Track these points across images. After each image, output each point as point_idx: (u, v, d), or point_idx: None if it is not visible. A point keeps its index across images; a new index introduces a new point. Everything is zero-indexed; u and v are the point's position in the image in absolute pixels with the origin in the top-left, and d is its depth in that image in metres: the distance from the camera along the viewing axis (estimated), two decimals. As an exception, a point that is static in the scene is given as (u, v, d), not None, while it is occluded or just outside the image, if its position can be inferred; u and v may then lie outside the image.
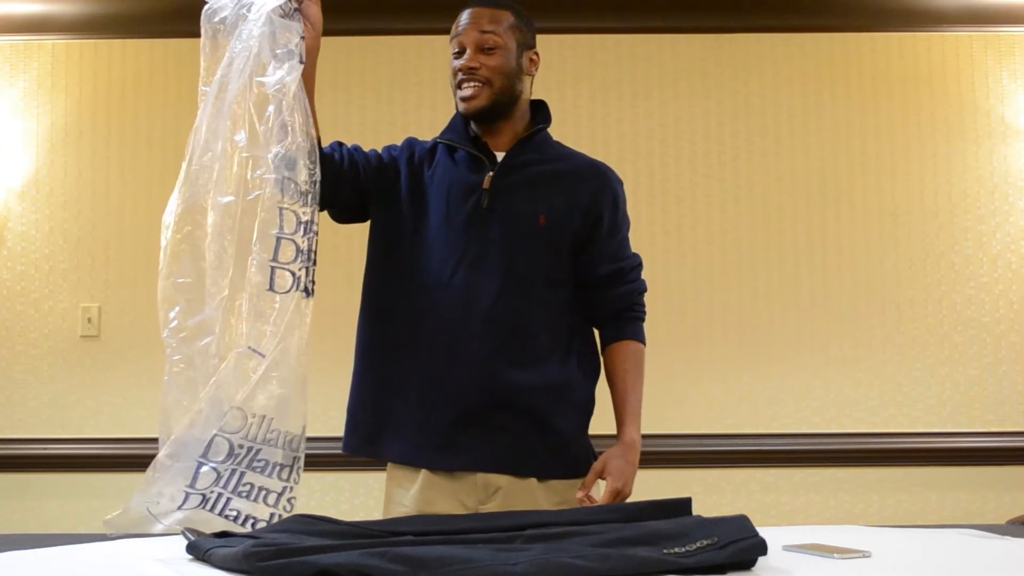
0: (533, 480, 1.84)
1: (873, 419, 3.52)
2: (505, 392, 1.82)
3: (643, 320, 1.99)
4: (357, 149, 1.99)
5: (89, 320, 3.52)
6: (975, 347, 3.54)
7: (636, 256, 2.00)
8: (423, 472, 1.87)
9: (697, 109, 3.62)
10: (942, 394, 3.53)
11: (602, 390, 1.96)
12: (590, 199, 1.92)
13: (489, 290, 1.84)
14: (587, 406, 1.94)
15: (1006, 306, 3.56)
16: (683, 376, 3.50)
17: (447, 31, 3.72)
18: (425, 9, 3.62)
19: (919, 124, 3.62)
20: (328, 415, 3.51)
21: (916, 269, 3.57)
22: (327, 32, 3.89)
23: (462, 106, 1.91)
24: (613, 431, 1.93)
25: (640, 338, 1.97)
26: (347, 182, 1.93)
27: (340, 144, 1.99)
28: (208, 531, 1.45)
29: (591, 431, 1.95)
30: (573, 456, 1.89)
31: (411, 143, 2.04)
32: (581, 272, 1.93)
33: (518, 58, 1.93)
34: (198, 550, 1.33)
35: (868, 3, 3.63)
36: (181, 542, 1.39)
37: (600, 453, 1.90)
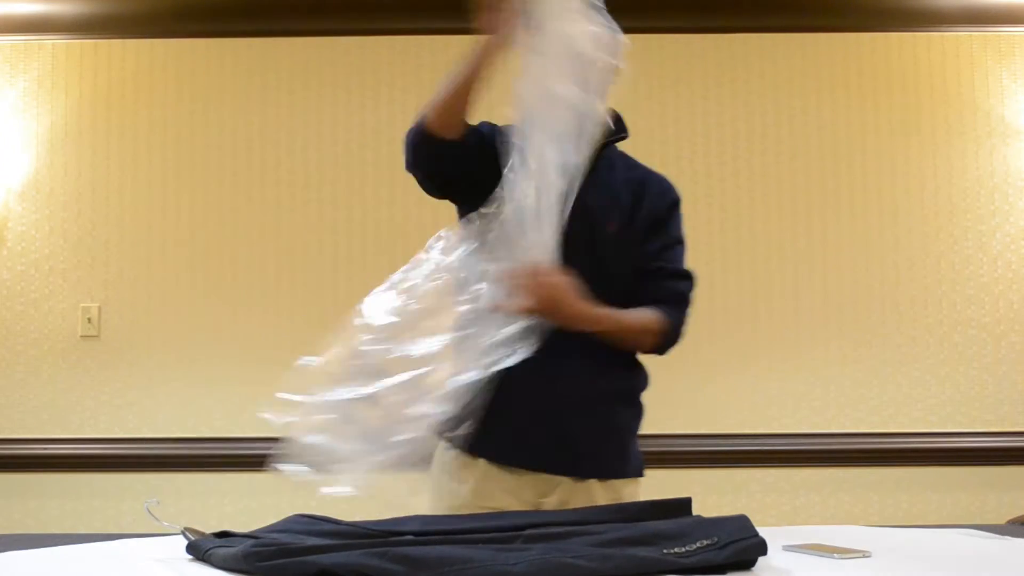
0: (594, 480, 1.85)
1: (873, 419, 3.52)
2: (574, 393, 1.84)
3: (671, 318, 1.90)
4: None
5: (89, 320, 3.52)
6: (975, 347, 3.54)
7: (686, 269, 1.97)
8: (483, 463, 1.87)
9: (697, 109, 3.62)
10: (942, 394, 3.53)
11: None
12: (652, 207, 1.95)
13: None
14: (643, 408, 1.97)
15: (1006, 306, 3.56)
16: (684, 376, 3.50)
17: (447, 31, 3.74)
18: (425, 9, 3.62)
19: (919, 124, 3.62)
20: (328, 415, 3.51)
21: (916, 269, 3.57)
22: (328, 32, 3.91)
23: None
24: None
25: (657, 319, 1.88)
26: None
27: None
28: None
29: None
30: (633, 455, 1.93)
31: (501, 126, 1.99)
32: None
33: None
34: (198, 550, 1.33)
35: (868, 3, 3.63)
36: (181, 542, 1.39)
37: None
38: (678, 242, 2.00)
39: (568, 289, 1.72)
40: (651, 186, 1.99)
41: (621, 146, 2.06)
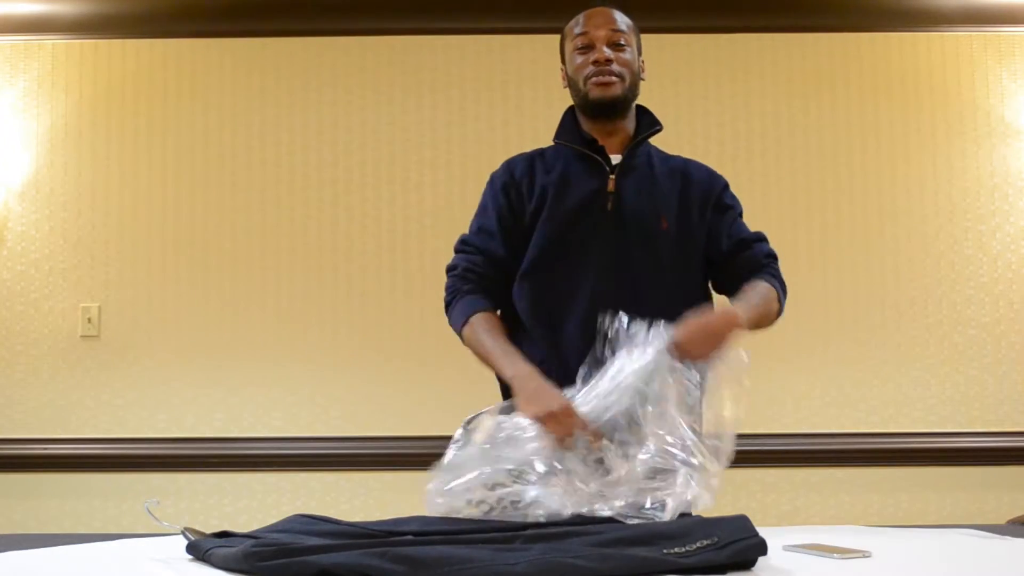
0: None
1: (873, 419, 3.52)
2: None
3: (776, 277, 1.97)
4: (490, 261, 1.96)
5: (89, 320, 3.52)
6: (975, 347, 3.54)
7: (758, 232, 2.02)
8: None
9: (697, 109, 3.62)
10: (942, 394, 3.53)
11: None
12: (702, 194, 1.96)
13: (625, 297, 1.83)
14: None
15: (1006, 306, 3.56)
16: (683, 376, 3.50)
17: (447, 31, 3.74)
18: (426, 9, 3.62)
19: (919, 124, 3.62)
20: (328, 415, 3.52)
21: (916, 269, 3.57)
22: (328, 32, 3.90)
23: (597, 92, 1.91)
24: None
25: (769, 283, 1.94)
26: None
27: (481, 279, 1.96)
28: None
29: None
30: None
31: (508, 169, 2.00)
32: (708, 256, 1.95)
33: (638, 59, 1.98)
34: (198, 550, 1.33)
35: (868, 3, 3.62)
36: (181, 542, 1.39)
37: None
38: (740, 214, 2.03)
39: (715, 328, 1.72)
40: (695, 174, 1.99)
41: None
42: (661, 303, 1.81)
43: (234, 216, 3.58)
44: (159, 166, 3.60)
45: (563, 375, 1.77)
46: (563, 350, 1.85)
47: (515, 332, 1.91)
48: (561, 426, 1.61)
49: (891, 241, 3.58)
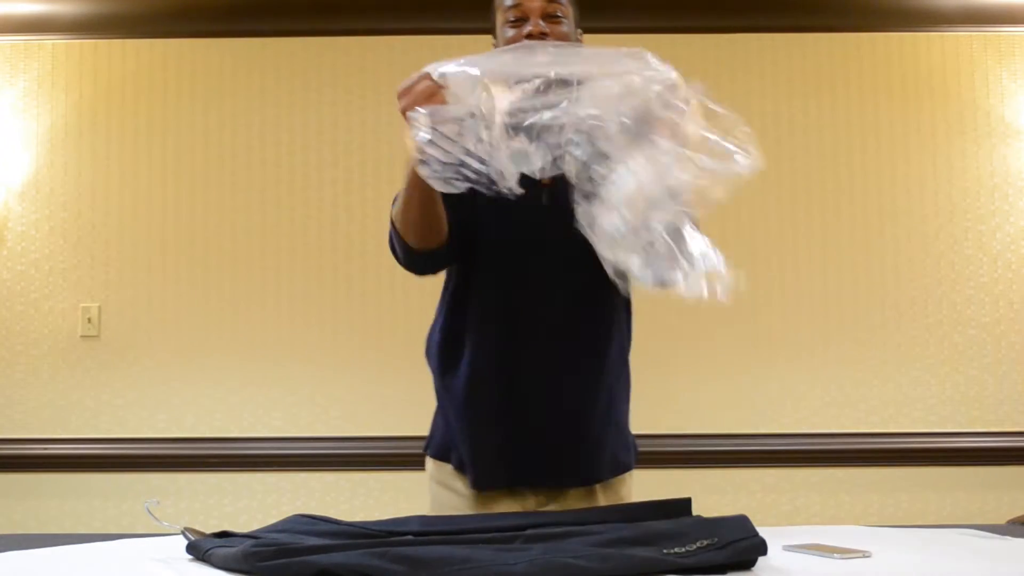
0: (596, 485, 1.80)
1: (873, 419, 3.52)
2: (560, 410, 1.76)
3: None
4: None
5: (89, 320, 3.52)
6: (975, 347, 3.54)
7: None
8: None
9: (697, 109, 3.61)
10: (942, 394, 3.53)
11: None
12: None
13: (556, 299, 1.78)
14: (629, 374, 1.88)
15: (1006, 306, 3.56)
16: (683, 376, 3.50)
17: (447, 31, 3.74)
18: (426, 9, 3.62)
19: (919, 124, 3.62)
20: (328, 415, 3.52)
21: (916, 269, 3.57)
22: (328, 32, 3.90)
23: None
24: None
25: None
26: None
27: None
28: None
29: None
30: (632, 442, 1.87)
31: None
32: None
33: (576, 32, 1.87)
34: (198, 550, 1.33)
35: (868, 3, 3.63)
36: (181, 542, 1.39)
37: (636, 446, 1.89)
38: None
39: None
40: None
41: None
42: (607, 297, 1.74)
43: (234, 216, 3.58)
44: (159, 166, 3.60)
45: (491, 378, 1.75)
46: (489, 348, 1.75)
47: (461, 339, 1.83)
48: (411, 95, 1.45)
49: (891, 241, 3.58)
